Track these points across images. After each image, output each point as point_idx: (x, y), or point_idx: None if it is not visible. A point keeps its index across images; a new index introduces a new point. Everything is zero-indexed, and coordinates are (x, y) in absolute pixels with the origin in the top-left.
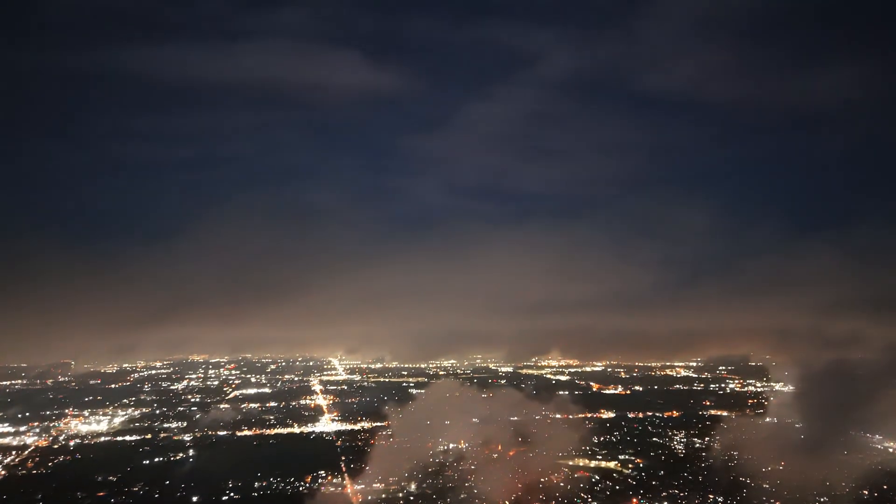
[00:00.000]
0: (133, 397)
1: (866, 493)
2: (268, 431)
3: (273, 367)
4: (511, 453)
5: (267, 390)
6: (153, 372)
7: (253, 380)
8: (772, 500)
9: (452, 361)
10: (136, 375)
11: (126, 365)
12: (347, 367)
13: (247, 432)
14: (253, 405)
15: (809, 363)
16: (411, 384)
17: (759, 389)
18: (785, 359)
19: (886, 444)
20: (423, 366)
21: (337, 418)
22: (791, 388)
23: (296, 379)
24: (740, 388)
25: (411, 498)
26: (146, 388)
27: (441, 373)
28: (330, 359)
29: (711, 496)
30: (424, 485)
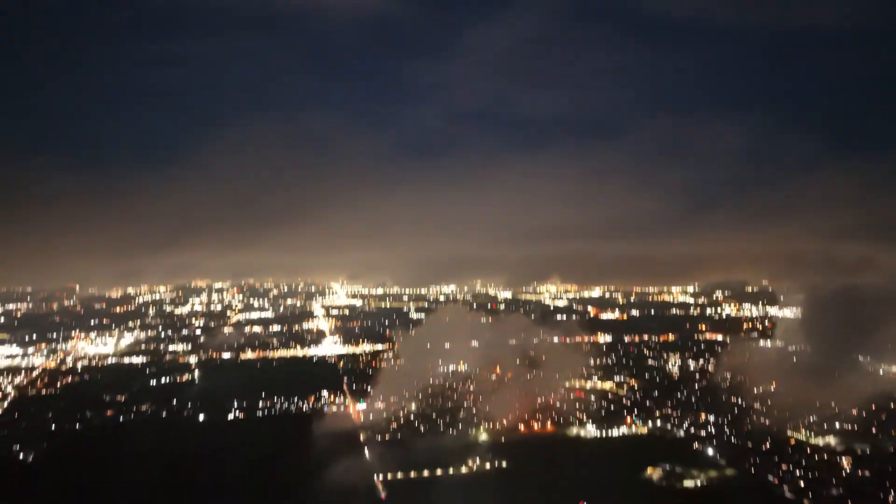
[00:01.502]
0: (138, 321)
1: (855, 412)
2: (271, 354)
3: (275, 292)
4: (509, 375)
5: (270, 315)
6: (157, 296)
7: (256, 305)
8: (762, 419)
9: (453, 287)
10: (141, 300)
11: (130, 290)
12: (349, 292)
13: (251, 355)
14: (256, 329)
15: (817, 288)
16: (412, 309)
17: (754, 314)
18: (789, 284)
19: (888, 369)
20: (423, 291)
21: (339, 341)
22: (788, 312)
23: (298, 304)
24: (736, 312)
25: (412, 417)
26: (151, 312)
27: (441, 298)
28: (332, 284)
29: (703, 415)
30: (425, 405)
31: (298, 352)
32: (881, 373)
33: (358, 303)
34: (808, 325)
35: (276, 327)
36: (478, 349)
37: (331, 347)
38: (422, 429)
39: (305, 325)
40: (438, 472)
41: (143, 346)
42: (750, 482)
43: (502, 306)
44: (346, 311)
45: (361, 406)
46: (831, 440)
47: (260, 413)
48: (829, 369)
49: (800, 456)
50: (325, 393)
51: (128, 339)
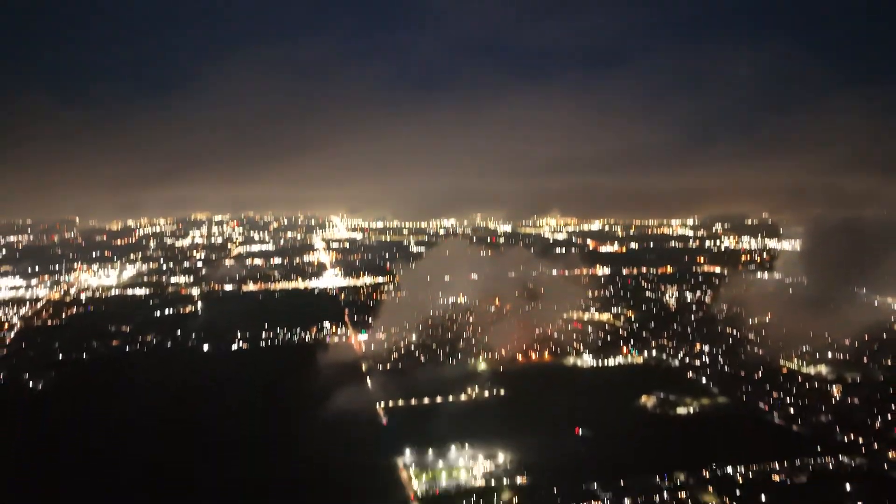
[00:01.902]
0: (139, 253)
1: (848, 342)
2: (273, 286)
3: (275, 225)
4: (508, 307)
5: (270, 247)
6: (158, 229)
7: (256, 237)
8: (756, 350)
9: (453, 221)
10: (141, 232)
11: (130, 222)
12: (349, 225)
13: (252, 287)
14: (257, 261)
15: (819, 220)
16: (412, 242)
17: (753, 247)
18: (790, 217)
19: (883, 300)
20: (423, 225)
21: (340, 274)
22: (787, 245)
23: (298, 237)
24: (735, 245)
25: (412, 347)
26: (152, 244)
27: (441, 231)
28: (332, 217)
29: (699, 346)
30: (425, 335)
31: (300, 284)
32: (876, 304)
33: (358, 236)
34: (808, 257)
35: (276, 260)
36: (477, 282)
37: (332, 280)
38: (422, 358)
39: (306, 258)
40: (438, 399)
41: (145, 279)
42: (741, 409)
43: (502, 240)
44: (347, 245)
45: (363, 337)
46: (823, 369)
47: (263, 344)
48: (826, 301)
49: (791, 384)
50: (326, 324)
51: (130, 271)
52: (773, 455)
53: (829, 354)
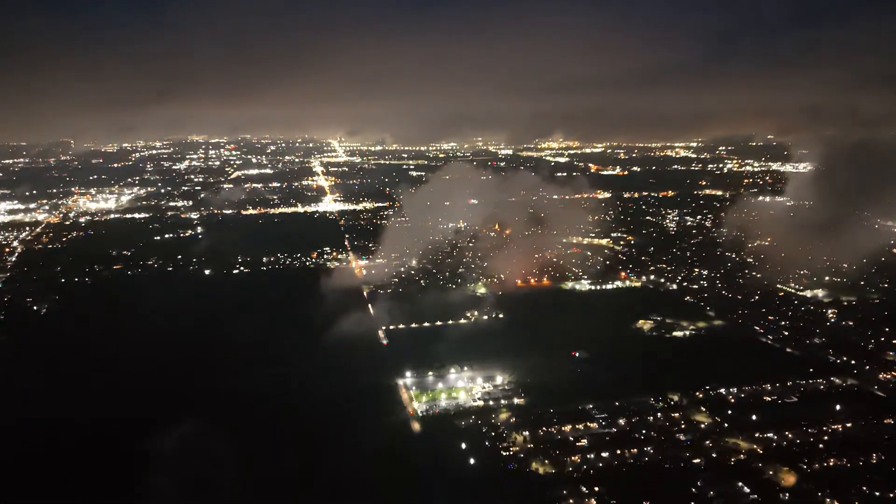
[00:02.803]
0: (137, 177)
1: (846, 266)
2: (272, 211)
3: (273, 148)
4: (508, 232)
5: (269, 171)
6: (154, 152)
7: (254, 160)
8: (755, 273)
9: (453, 144)
10: (137, 155)
11: (126, 144)
12: (348, 149)
13: (251, 211)
14: (256, 185)
15: (831, 141)
16: (412, 166)
17: (756, 169)
18: (802, 138)
19: (884, 224)
20: (423, 148)
21: (339, 199)
22: (791, 167)
23: (296, 160)
24: (738, 168)
25: (412, 272)
26: (149, 167)
27: (441, 155)
28: (330, 141)
29: (697, 270)
30: (425, 261)
31: (299, 208)
32: (878, 227)
33: (357, 160)
34: (816, 179)
35: (275, 183)
36: (478, 206)
37: (331, 204)
38: (422, 283)
39: (305, 182)
40: (438, 323)
41: (143, 202)
42: (736, 332)
43: (503, 164)
44: (345, 168)
45: (363, 262)
46: (820, 293)
47: (264, 268)
48: (829, 225)
49: (787, 307)
50: (327, 248)
51: (128, 194)
52: (765, 376)
53: (827, 278)
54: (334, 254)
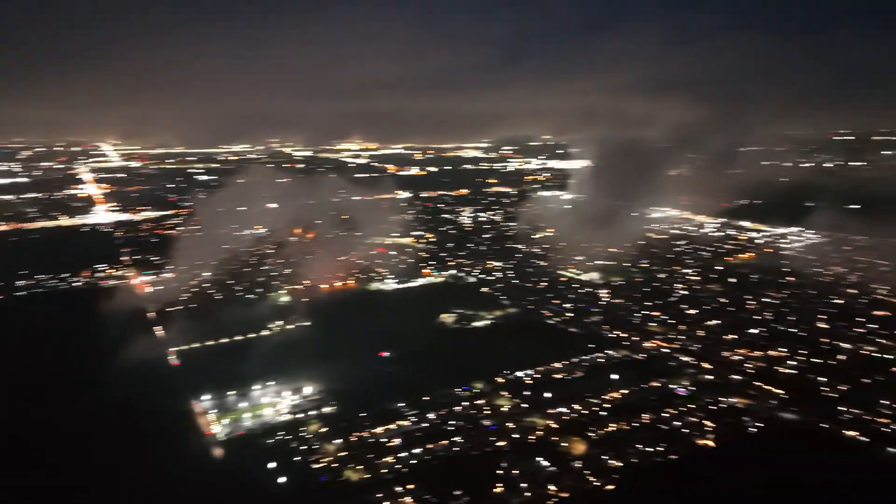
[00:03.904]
0: None
1: (615, 251)
2: (29, 226)
3: (28, 153)
4: (310, 235)
5: (24, 179)
6: None
7: (3, 168)
8: (541, 262)
9: (246, 146)
10: None
11: None
12: (124, 152)
13: (3, 227)
14: (5, 197)
15: (601, 140)
16: (201, 170)
17: (536, 167)
18: (576, 137)
19: (662, 214)
20: (212, 151)
21: (115, 209)
22: (566, 164)
23: (60, 167)
24: (521, 165)
25: (206, 285)
26: None
27: (233, 158)
28: (99, 144)
29: (491, 262)
30: (220, 271)
31: (64, 222)
32: (645, 216)
33: (135, 164)
34: (590, 175)
35: (33, 194)
36: (277, 211)
37: (104, 216)
38: (218, 296)
39: (71, 191)
40: (238, 337)
41: None
42: (528, 318)
43: (301, 166)
44: (122, 175)
45: (147, 277)
46: (594, 276)
47: (20, 293)
48: (601, 215)
49: (568, 291)
50: (102, 266)
51: None
52: (554, 356)
53: (599, 262)
54: (111, 271)
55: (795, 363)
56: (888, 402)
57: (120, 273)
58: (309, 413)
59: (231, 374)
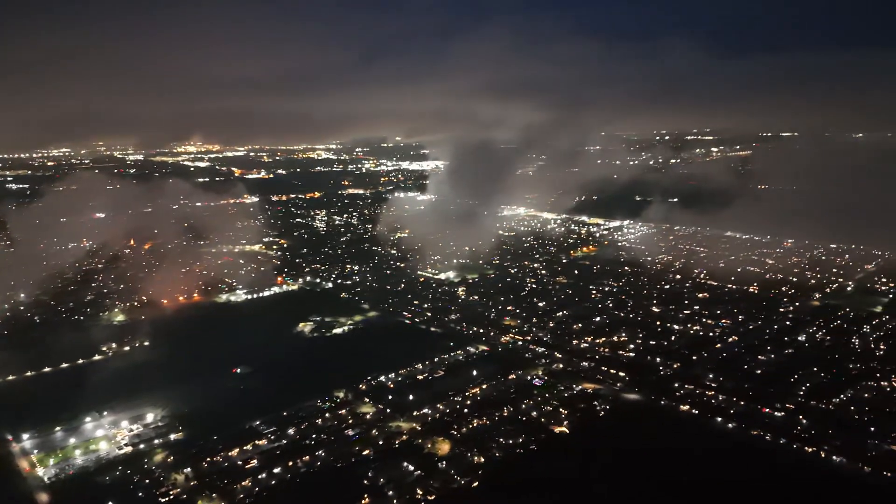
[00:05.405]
0: None
1: (468, 249)
2: None
3: None
4: (147, 246)
5: None
6: None
7: None
8: (399, 264)
9: (66, 150)
10: None
11: None
12: None
13: None
14: None
15: (456, 142)
16: (9, 178)
17: (390, 168)
18: (429, 139)
19: (512, 212)
20: (24, 156)
21: None
22: (419, 165)
23: None
24: (374, 167)
25: (22, 308)
26: None
27: (51, 164)
28: None
29: (349, 266)
30: (39, 292)
31: None
32: (498, 214)
33: None
34: (446, 175)
35: None
36: (107, 221)
37: None
38: (37, 319)
39: None
40: (64, 365)
41: None
42: (389, 320)
43: (133, 171)
44: None
45: None
46: (451, 274)
47: None
48: (456, 215)
49: (427, 291)
50: None
51: None
52: (416, 357)
53: (455, 261)
54: None
55: (633, 346)
56: (713, 377)
57: None
58: (153, 442)
59: (57, 408)
